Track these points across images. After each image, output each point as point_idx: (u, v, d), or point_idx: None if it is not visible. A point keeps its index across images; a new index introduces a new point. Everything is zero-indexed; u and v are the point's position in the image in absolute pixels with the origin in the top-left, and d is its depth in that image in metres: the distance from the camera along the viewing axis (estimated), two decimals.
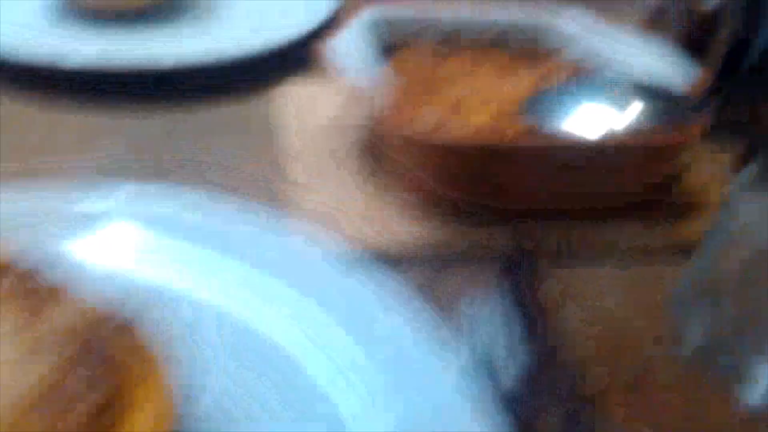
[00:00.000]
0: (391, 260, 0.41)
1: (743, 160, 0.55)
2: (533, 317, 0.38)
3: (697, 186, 0.50)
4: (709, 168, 0.52)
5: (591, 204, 0.45)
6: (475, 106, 0.46)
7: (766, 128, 0.53)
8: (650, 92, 0.46)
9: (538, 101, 0.47)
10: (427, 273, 0.41)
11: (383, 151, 0.44)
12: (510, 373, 0.35)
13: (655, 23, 0.67)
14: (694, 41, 0.60)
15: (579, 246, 0.44)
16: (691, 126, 0.43)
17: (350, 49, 0.44)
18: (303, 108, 0.52)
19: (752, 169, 0.37)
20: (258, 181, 0.47)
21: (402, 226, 0.42)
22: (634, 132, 0.43)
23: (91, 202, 0.37)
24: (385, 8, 0.51)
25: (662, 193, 0.47)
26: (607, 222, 0.45)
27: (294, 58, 0.55)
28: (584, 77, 0.52)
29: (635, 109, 0.45)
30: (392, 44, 0.52)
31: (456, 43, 0.54)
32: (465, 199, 0.43)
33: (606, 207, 0.45)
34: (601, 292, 0.41)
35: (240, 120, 0.53)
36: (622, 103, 0.45)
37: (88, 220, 0.36)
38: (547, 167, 0.41)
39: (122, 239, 0.36)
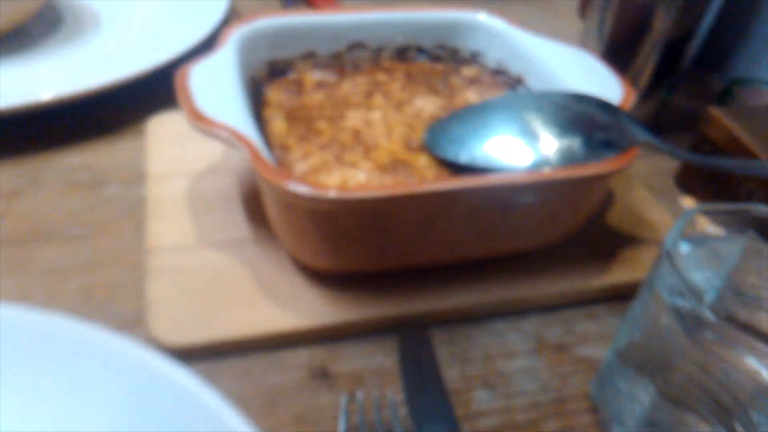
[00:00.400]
0: (279, 342, 0.34)
1: (684, 176, 0.49)
2: (439, 399, 0.31)
3: (631, 215, 0.44)
4: (642, 194, 0.46)
5: (505, 251, 0.38)
6: (374, 137, 0.39)
7: (710, 139, 0.47)
8: (578, 105, 0.39)
9: (448, 126, 0.39)
10: (320, 353, 0.34)
11: (264, 206, 0.36)
12: None
13: (588, 8, 0.61)
14: (628, 29, 0.53)
15: (488, 307, 0.37)
16: (625, 148, 0.36)
17: (215, 77, 0.36)
18: (176, 148, 0.44)
19: (689, 215, 0.30)
20: (118, 249, 0.39)
21: (288, 300, 0.35)
22: (560, 161, 0.36)
23: None
24: (269, 19, 0.43)
25: (590, 229, 0.41)
26: (526, 272, 0.39)
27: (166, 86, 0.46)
28: (504, 93, 0.45)
29: (562, 130, 0.38)
30: (279, 63, 0.44)
31: (360, 52, 0.46)
32: (360, 261, 0.36)
33: (526, 252, 0.39)
34: (518, 369, 0.35)
35: (105, 165, 0.45)
36: (546, 123, 0.38)
37: None
38: (456, 213, 0.34)
39: None
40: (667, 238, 0.29)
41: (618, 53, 0.54)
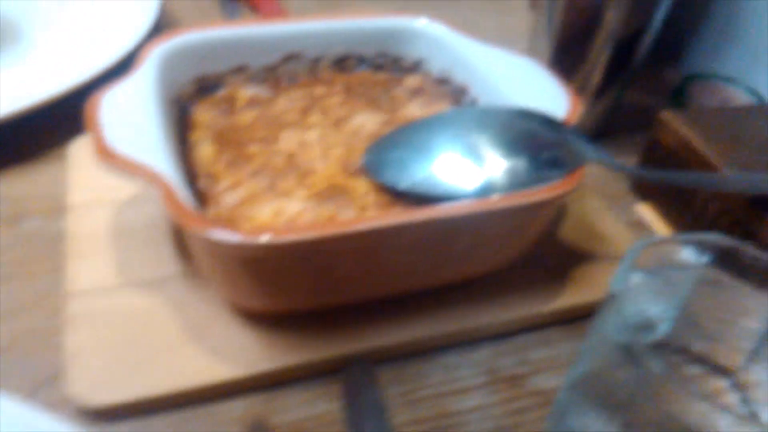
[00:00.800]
0: (211, 395, 0.31)
1: (639, 181, 0.48)
2: None
3: (584, 228, 0.43)
4: (595, 205, 0.45)
5: (452, 279, 0.36)
6: (310, 161, 0.37)
7: (662, 144, 0.46)
8: (523, 122, 0.37)
9: (388, 148, 0.37)
10: (257, 403, 0.32)
11: (191, 247, 0.33)
12: None
13: (537, 1, 0.58)
14: (578, 23, 0.51)
15: (437, 339, 0.35)
16: (573, 168, 0.34)
17: (129, 104, 0.33)
18: (98, 174, 0.41)
19: (636, 252, 0.28)
20: (38, 292, 0.36)
21: (220, 346, 0.33)
22: (506, 184, 0.34)
23: None
24: (194, 33, 0.40)
25: (541, 247, 0.39)
26: (475, 299, 0.37)
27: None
28: (448, 107, 0.42)
29: (508, 150, 0.36)
30: (207, 79, 0.41)
31: (297, 63, 0.43)
32: (296, 301, 0.33)
33: (474, 278, 0.37)
34: (471, 407, 0.33)
35: (25, 195, 0.41)
36: (491, 143, 0.36)
37: None
38: (396, 247, 0.32)
39: None
40: (614, 278, 0.27)
41: (569, 49, 0.52)
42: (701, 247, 0.31)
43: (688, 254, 0.31)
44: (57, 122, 0.45)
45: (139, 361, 0.31)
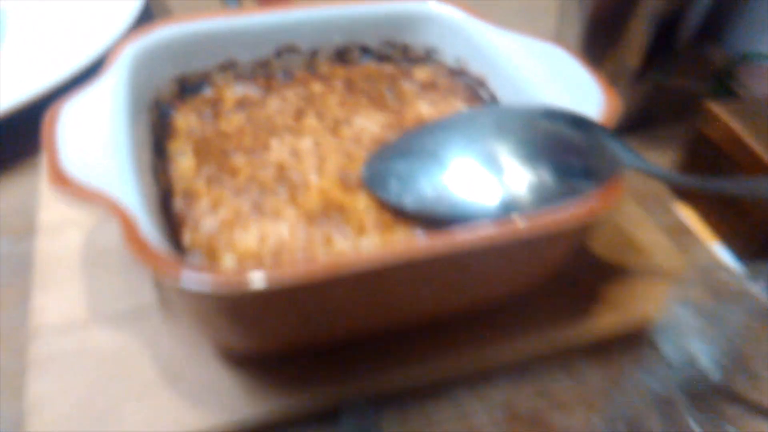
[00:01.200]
0: None
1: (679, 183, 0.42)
2: None
3: (619, 238, 0.38)
4: (632, 210, 0.39)
5: (464, 308, 0.32)
6: (303, 173, 0.32)
7: (709, 139, 0.40)
8: (549, 123, 0.32)
9: (392, 157, 0.33)
10: None
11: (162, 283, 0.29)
12: None
13: None
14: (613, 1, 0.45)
15: (446, 375, 0.31)
16: (607, 177, 0.29)
17: (93, 116, 0.29)
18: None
19: (678, 295, 0.24)
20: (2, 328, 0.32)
21: (198, 390, 0.29)
22: (531, 199, 0.29)
23: None
24: (174, 26, 0.36)
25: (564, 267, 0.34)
26: (491, 327, 0.32)
27: None
28: (463, 105, 0.37)
29: (531, 157, 0.31)
30: (191, 78, 0.37)
31: (292, 56, 0.39)
32: (284, 341, 0.29)
33: (490, 305, 0.32)
34: None
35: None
36: (511, 150, 0.31)
37: None
38: (400, 279, 0.27)
39: None
40: (657, 325, 0.22)
41: (603, 28, 0.46)
42: (757, 277, 0.26)
43: (741, 283, 0.27)
44: (31, 128, 0.41)
45: (108, 409, 0.28)
